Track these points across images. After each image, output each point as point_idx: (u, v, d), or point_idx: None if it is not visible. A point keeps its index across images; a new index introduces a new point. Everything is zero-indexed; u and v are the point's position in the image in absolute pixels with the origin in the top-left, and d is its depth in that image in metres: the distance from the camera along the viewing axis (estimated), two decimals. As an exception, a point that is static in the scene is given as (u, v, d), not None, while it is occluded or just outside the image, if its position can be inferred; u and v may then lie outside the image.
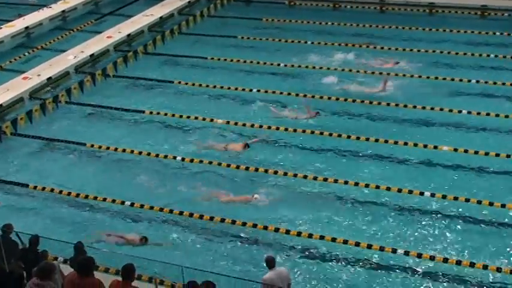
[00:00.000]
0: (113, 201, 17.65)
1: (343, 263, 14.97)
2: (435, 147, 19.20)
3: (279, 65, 25.65)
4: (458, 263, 14.68)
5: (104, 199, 17.74)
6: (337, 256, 15.15)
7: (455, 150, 19.01)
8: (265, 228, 16.16)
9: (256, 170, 18.64)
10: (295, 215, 16.66)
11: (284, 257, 15.18)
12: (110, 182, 18.81)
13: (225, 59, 26.41)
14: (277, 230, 16.06)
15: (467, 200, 16.77)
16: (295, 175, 18.29)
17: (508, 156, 18.55)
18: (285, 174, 18.41)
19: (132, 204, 17.45)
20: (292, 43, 27.81)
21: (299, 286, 14.27)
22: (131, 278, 11.07)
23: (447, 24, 28.52)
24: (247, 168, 18.74)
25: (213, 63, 26.32)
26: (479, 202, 16.69)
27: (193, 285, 11.36)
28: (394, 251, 15.12)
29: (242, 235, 16.11)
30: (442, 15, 30.32)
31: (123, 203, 17.55)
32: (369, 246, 15.22)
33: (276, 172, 18.47)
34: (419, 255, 14.95)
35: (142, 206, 17.36)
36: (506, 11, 29.50)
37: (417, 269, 14.70)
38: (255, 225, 16.27)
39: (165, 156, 19.65)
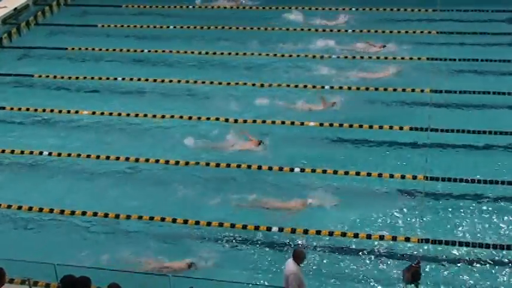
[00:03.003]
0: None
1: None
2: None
3: (142, 51, 25.33)
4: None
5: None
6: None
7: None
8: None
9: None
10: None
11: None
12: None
13: (87, 49, 25.77)
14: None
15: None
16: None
17: (360, 126, 19.38)
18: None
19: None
20: (155, 28, 27.47)
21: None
22: (1, 282, 10.64)
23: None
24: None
25: (74, 54, 25.61)
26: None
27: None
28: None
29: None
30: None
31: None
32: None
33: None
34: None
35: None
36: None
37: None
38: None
39: (31, 152, 19.03)
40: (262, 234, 15.50)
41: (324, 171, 17.44)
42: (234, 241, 15.42)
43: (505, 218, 15.69)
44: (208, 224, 15.76)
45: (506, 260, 14.39)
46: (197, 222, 15.78)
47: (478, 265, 14.30)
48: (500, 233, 15.23)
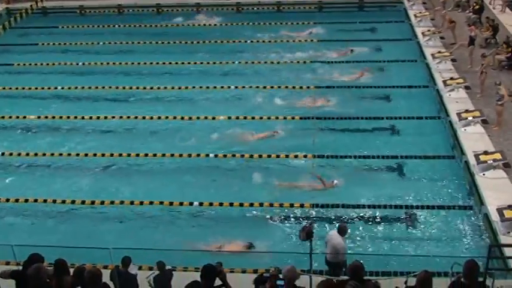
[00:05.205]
0: None
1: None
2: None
3: (71, 64, 24.72)
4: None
5: None
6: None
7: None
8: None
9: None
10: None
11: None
12: None
13: (32, 64, 24.89)
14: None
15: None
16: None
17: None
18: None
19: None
20: (81, 45, 26.72)
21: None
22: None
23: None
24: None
25: (18, 69, 24.70)
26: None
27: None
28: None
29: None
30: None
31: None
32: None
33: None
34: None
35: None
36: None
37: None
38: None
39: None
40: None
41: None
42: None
43: (380, 184, 16.15)
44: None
45: (383, 215, 14.85)
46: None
47: (352, 222, 14.62)
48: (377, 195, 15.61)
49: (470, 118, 17.64)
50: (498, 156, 15.64)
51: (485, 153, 15.84)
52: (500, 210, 13.52)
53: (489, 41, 23.27)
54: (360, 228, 14.44)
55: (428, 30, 24.64)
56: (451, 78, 20.27)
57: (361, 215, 14.87)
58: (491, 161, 15.48)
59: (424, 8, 28.16)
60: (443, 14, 25.71)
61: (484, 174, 15.23)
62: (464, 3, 27.43)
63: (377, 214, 14.86)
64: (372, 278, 9.79)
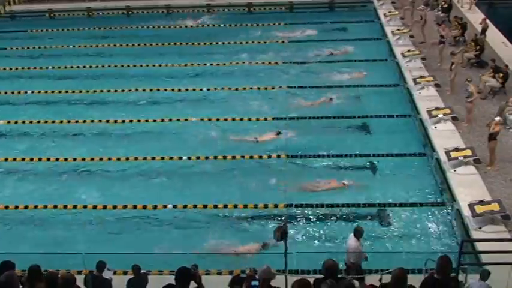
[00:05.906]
0: None
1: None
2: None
3: (40, 68, 24.46)
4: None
5: None
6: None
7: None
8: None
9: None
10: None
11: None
12: None
13: (1, 68, 24.50)
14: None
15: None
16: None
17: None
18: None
19: None
20: (50, 49, 26.46)
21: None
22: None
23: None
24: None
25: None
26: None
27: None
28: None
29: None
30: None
31: None
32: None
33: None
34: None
35: None
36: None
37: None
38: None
39: None
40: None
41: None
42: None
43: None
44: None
45: (356, 213, 14.93)
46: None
47: (327, 221, 14.76)
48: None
49: (440, 115, 17.86)
50: (469, 152, 15.87)
51: (456, 149, 16.05)
52: (471, 206, 13.71)
53: (458, 39, 23.57)
54: (334, 226, 14.51)
55: (398, 29, 24.88)
56: (421, 77, 20.49)
57: (335, 213, 14.94)
58: (462, 158, 15.69)
59: (394, 7, 28.42)
60: (422, 10, 25.65)
61: (455, 171, 15.43)
62: (433, 2, 27.72)
63: (350, 212, 14.95)
64: (347, 276, 9.84)
